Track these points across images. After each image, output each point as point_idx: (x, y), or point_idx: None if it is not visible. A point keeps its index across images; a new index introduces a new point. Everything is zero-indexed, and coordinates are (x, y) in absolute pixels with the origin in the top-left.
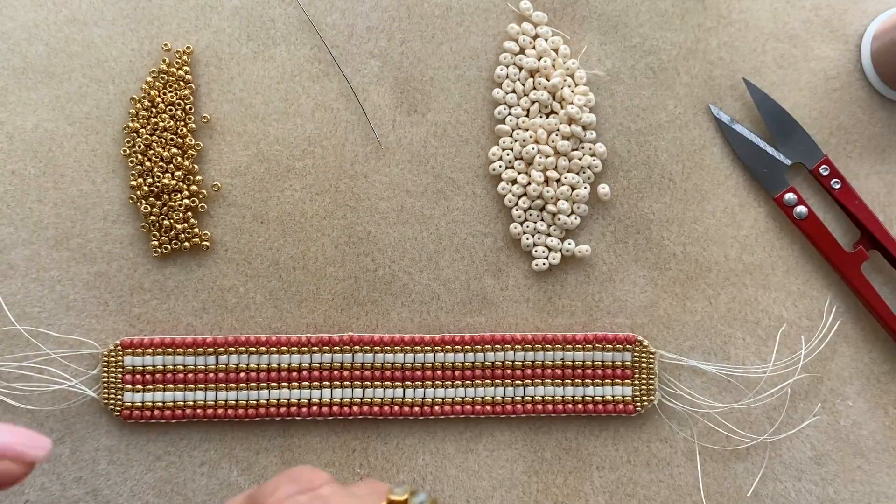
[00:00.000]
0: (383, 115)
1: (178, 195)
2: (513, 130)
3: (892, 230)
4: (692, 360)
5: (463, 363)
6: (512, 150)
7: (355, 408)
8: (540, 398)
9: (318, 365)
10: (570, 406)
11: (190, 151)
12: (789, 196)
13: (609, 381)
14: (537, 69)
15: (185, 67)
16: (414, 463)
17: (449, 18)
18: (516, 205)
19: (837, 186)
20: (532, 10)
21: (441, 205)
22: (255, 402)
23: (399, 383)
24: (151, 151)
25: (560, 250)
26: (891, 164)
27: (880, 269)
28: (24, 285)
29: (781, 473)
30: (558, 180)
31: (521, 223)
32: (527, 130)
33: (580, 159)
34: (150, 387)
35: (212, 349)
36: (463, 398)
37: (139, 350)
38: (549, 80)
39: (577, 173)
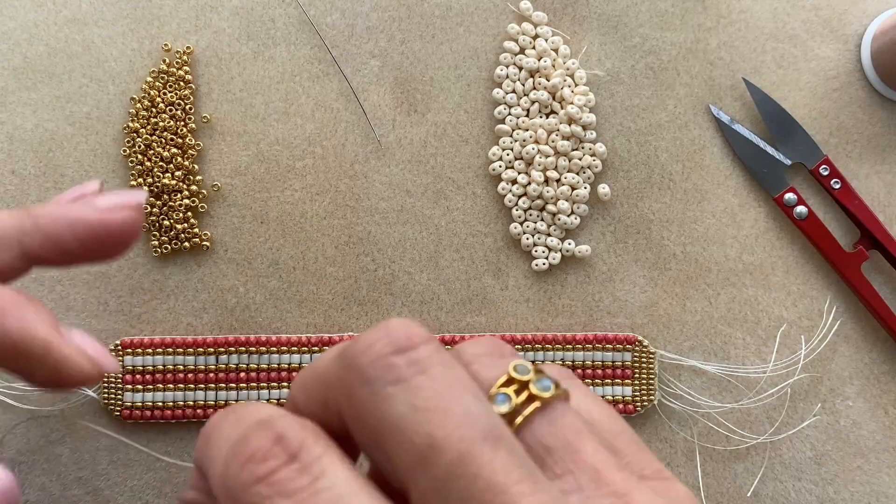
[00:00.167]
0: (383, 115)
1: (178, 195)
2: (513, 130)
3: (892, 230)
4: (692, 360)
5: None
6: (512, 150)
7: None
8: None
9: None
10: None
11: (190, 151)
12: (789, 196)
13: (609, 381)
14: (537, 69)
15: (185, 67)
16: None
17: (449, 18)
18: (516, 205)
19: (837, 186)
20: (532, 10)
21: (441, 205)
22: (254, 402)
23: None
24: (151, 151)
25: (560, 250)
26: (891, 164)
27: (880, 269)
28: (24, 285)
29: (781, 473)
30: (558, 180)
31: (521, 223)
32: (527, 130)
33: (580, 159)
34: (150, 387)
35: (212, 349)
36: None
37: (139, 350)
38: (549, 80)
39: (577, 173)
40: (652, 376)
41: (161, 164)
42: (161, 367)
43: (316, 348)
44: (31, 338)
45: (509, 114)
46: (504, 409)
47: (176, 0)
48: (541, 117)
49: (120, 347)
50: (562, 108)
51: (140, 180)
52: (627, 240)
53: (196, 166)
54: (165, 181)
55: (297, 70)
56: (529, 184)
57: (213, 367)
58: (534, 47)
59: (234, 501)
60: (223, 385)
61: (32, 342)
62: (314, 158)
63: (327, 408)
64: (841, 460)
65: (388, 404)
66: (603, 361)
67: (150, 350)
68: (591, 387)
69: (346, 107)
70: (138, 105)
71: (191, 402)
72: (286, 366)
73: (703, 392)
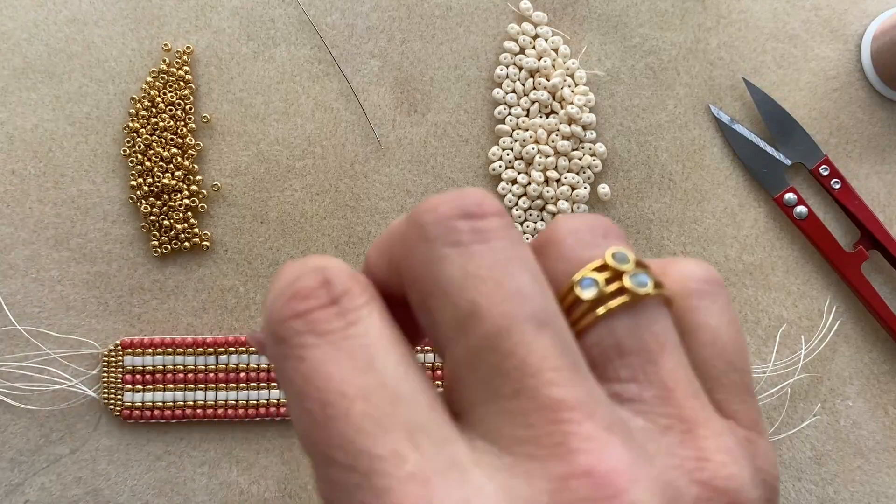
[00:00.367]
0: (383, 115)
1: (178, 195)
2: (513, 130)
3: (892, 230)
4: None
5: None
6: (512, 150)
7: None
8: None
9: None
10: None
11: (190, 151)
12: (789, 196)
13: None
14: (537, 69)
15: (185, 67)
16: None
17: (449, 18)
18: (516, 205)
19: (837, 186)
20: (532, 10)
21: None
22: (255, 402)
23: None
24: (151, 151)
25: None
26: (891, 164)
27: (880, 269)
28: (24, 285)
29: (781, 473)
30: (558, 180)
31: (521, 223)
32: (527, 130)
33: (580, 159)
34: (150, 387)
35: (212, 349)
36: None
37: (139, 350)
38: (549, 80)
39: (577, 173)
40: None
41: (161, 164)
42: (161, 367)
43: None
44: None
45: (509, 114)
46: (588, 294)
47: (176, 0)
48: (541, 117)
49: (120, 347)
50: (562, 108)
51: (140, 180)
52: (627, 240)
53: (196, 166)
54: (165, 181)
55: (297, 70)
56: (529, 184)
57: (213, 367)
58: (534, 47)
59: (272, 333)
60: (223, 385)
61: None
62: (314, 158)
63: (391, 267)
64: (841, 460)
65: (442, 265)
66: None
67: (150, 350)
68: None
69: (346, 107)
70: (138, 105)
71: (191, 402)
72: None
73: None
